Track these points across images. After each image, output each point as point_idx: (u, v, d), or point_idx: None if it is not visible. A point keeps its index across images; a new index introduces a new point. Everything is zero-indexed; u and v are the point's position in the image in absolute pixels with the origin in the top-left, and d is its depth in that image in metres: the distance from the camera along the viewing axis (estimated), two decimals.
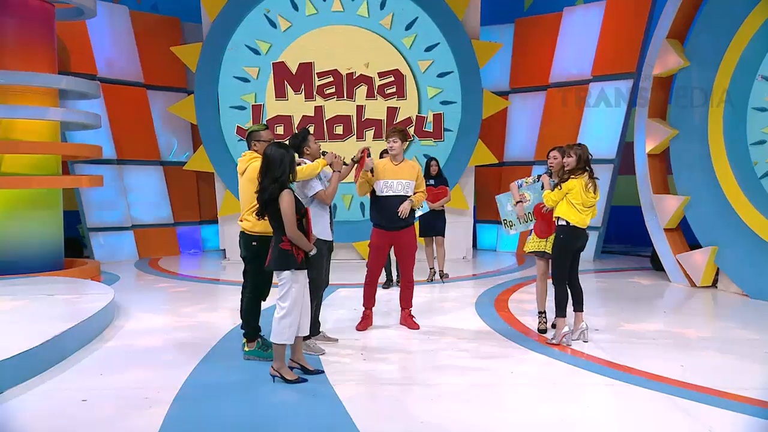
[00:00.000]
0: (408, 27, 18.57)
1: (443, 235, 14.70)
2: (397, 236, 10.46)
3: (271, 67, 18.58)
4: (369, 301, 10.74)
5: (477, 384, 7.96)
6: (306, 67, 18.63)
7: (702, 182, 14.10)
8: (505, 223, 10.83)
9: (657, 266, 16.12)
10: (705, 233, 14.21)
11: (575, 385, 7.92)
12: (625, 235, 21.28)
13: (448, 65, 18.69)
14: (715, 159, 13.70)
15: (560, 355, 9.11)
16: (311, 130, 9.68)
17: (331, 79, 18.72)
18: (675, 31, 14.68)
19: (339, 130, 18.78)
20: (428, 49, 18.65)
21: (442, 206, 14.39)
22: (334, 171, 9.15)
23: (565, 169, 9.86)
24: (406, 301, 10.87)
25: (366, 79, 18.71)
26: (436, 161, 14.97)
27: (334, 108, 18.78)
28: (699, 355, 9.15)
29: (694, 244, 14.72)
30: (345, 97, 18.75)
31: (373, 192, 10.42)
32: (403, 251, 10.65)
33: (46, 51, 15.24)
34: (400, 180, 10.29)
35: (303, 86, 18.65)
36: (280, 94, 18.69)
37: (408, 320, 10.77)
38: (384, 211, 10.30)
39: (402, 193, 10.29)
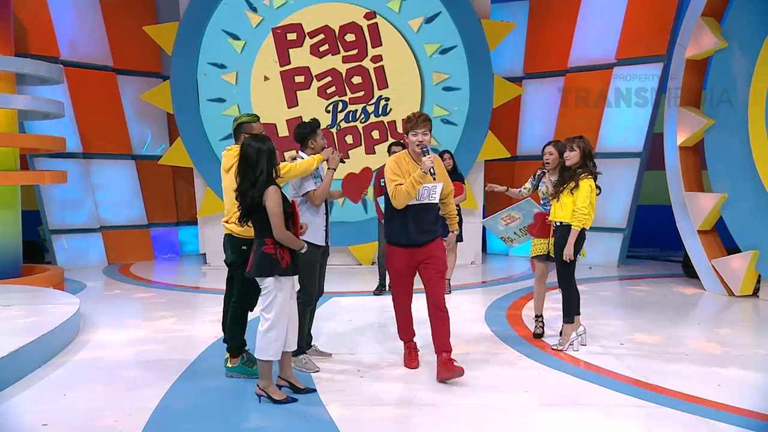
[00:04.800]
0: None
1: (461, 240, 14.24)
2: (425, 252, 8.87)
3: (258, 42, 18.49)
4: (407, 333, 9.32)
5: (487, 405, 7.88)
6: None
7: (741, 178, 13.98)
8: (504, 240, 10.84)
9: (690, 273, 16.06)
10: (744, 235, 14.11)
11: (599, 407, 7.83)
12: (654, 238, 21.22)
13: (454, 42, 18.64)
14: (756, 152, 13.58)
15: (581, 372, 9.07)
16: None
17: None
18: (711, 7, 14.54)
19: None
20: (429, 20, 18.58)
21: (457, 206, 13.99)
22: (328, 168, 9.05)
23: (567, 165, 9.91)
24: (442, 340, 8.75)
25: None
26: (450, 154, 14.63)
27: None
28: (738, 373, 9.08)
29: (731, 248, 14.66)
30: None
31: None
32: (432, 270, 8.90)
33: (0, 30, 15.19)
34: (438, 183, 8.76)
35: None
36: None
37: (447, 368, 8.55)
38: (411, 223, 8.76)
39: (435, 201, 8.88)
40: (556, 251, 10.00)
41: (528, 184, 10.87)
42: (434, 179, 8.55)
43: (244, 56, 18.54)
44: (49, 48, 18.86)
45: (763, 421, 7.12)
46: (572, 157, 9.85)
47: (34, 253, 18.64)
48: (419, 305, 8.96)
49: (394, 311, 9.38)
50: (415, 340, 9.43)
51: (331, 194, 9.44)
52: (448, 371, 8.50)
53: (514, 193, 10.94)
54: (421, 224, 8.78)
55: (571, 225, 9.69)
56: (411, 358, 9.34)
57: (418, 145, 8.48)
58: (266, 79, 18.54)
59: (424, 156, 8.42)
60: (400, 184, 8.44)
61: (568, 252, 9.70)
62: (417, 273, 9.09)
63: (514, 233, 10.64)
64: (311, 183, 8.97)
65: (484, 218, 11.15)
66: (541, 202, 10.68)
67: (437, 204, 8.96)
